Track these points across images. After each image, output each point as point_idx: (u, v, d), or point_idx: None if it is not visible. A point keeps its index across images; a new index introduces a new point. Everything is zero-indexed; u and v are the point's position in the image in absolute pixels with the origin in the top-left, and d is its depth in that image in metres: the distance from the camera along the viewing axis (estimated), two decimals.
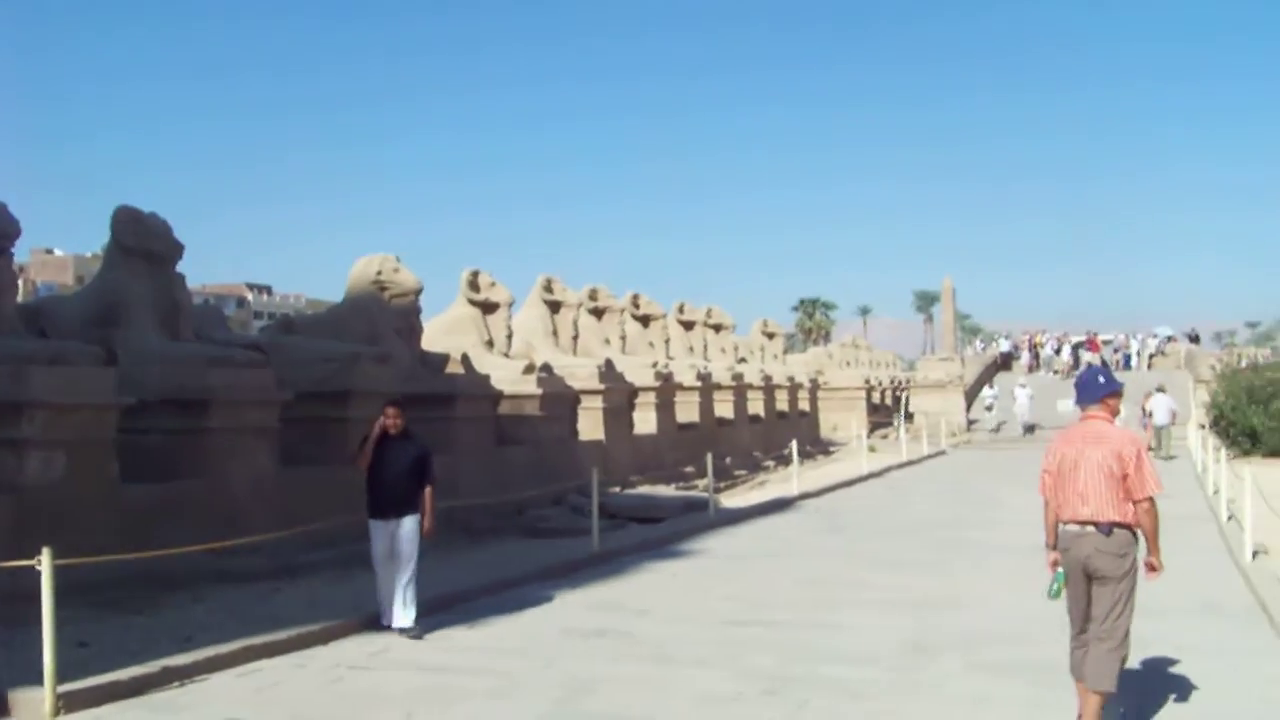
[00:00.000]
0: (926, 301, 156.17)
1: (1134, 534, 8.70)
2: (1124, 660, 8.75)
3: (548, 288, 30.53)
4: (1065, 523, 8.87)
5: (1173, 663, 10.90)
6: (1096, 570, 8.68)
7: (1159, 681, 10.04)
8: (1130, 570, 8.66)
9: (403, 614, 12.78)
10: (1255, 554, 16.69)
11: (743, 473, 34.73)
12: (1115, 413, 9.13)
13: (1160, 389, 41.50)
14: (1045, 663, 11.02)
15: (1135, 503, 8.60)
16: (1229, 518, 20.69)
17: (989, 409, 55.28)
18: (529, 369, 25.03)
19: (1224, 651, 11.46)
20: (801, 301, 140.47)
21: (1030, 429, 50.74)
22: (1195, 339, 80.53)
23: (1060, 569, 8.91)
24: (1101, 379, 9.27)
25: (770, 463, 37.35)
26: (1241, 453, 35.28)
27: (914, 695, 10.25)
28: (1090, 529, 8.68)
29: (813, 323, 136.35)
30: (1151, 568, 8.87)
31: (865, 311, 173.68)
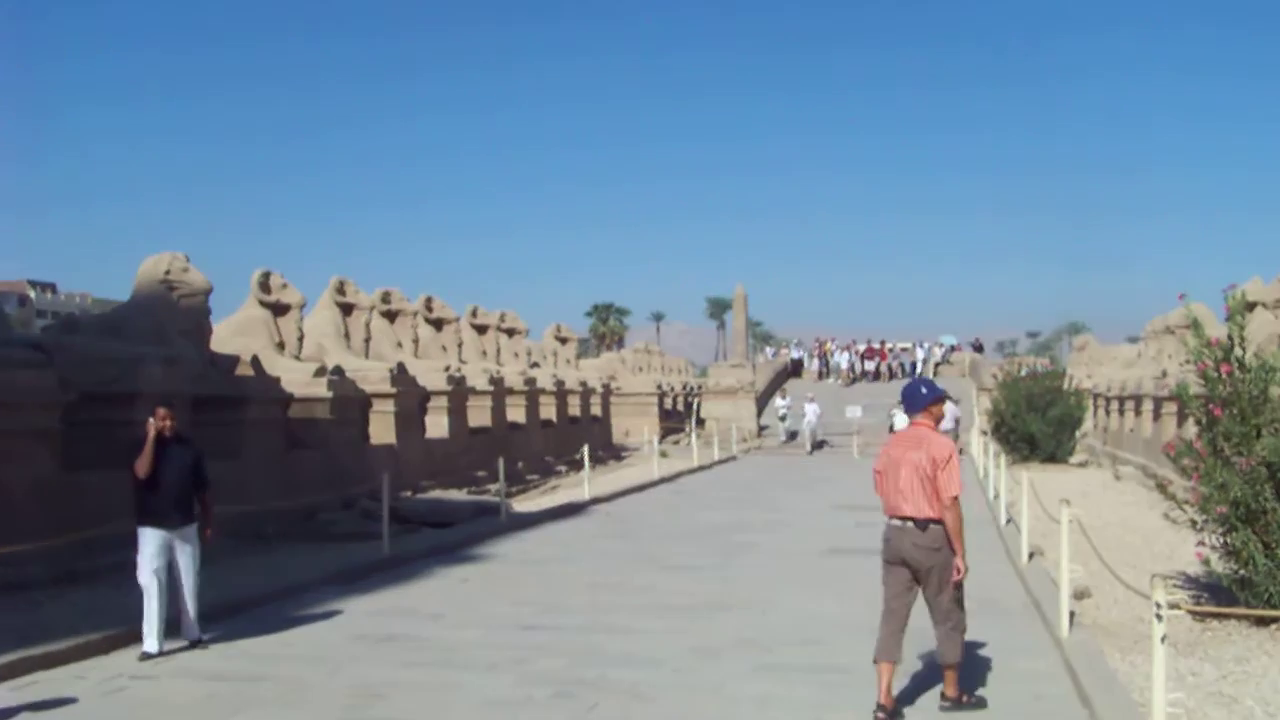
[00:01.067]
0: (719, 308, 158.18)
1: (944, 529, 9.46)
2: (961, 635, 9.67)
3: (340, 290, 30.13)
4: (889, 518, 9.65)
5: None
6: (916, 563, 9.50)
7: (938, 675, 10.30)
8: (946, 561, 9.48)
9: (190, 624, 12.47)
10: (1031, 555, 17.28)
11: (535, 477, 34.80)
12: (939, 419, 9.99)
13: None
14: (832, 665, 11.31)
15: (941, 502, 9.38)
16: (1008, 521, 21.38)
17: (782, 419, 54.94)
18: (320, 372, 24.66)
19: (1002, 648, 11.85)
20: (595, 307, 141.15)
21: (819, 446, 50.20)
22: (979, 348, 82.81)
23: None
24: (924, 389, 10.07)
25: (563, 467, 37.50)
26: (1021, 458, 36.47)
27: (701, 697, 10.37)
28: (909, 525, 9.49)
29: (606, 328, 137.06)
30: (956, 568, 9.51)
31: (659, 318, 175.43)
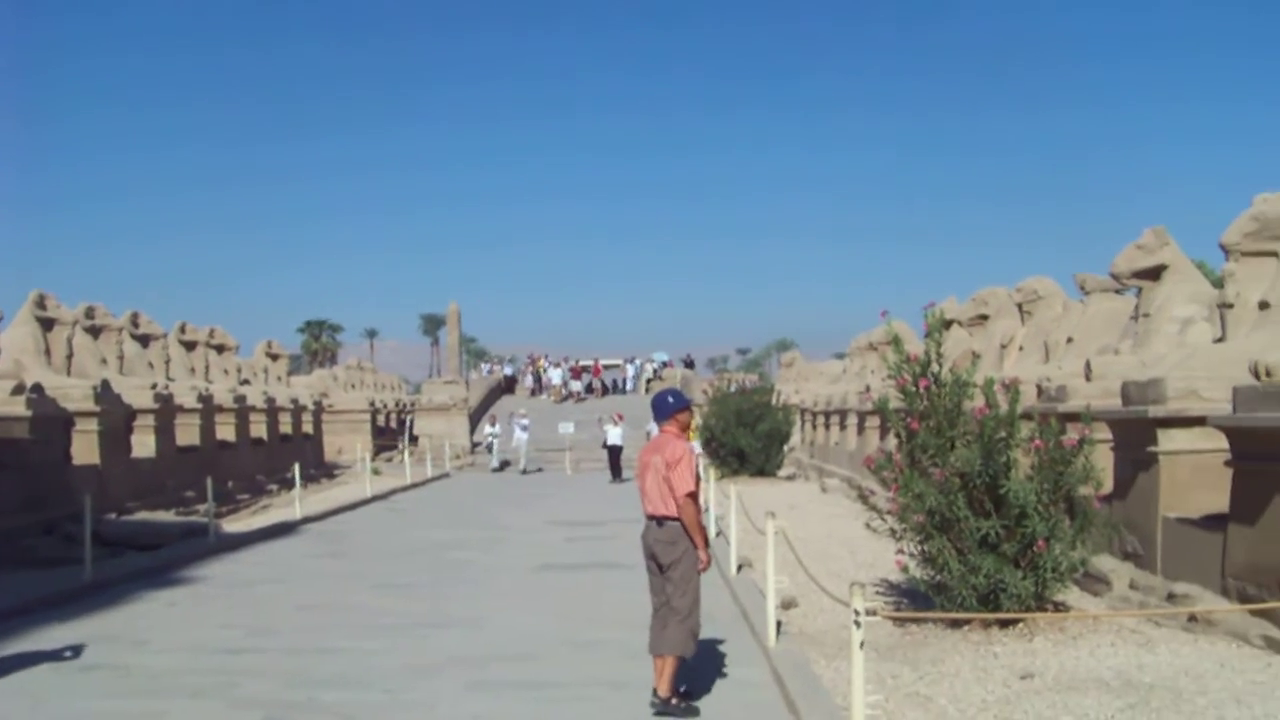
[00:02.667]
0: (433, 325, 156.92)
1: (683, 525, 10.16)
2: (693, 632, 10.23)
3: (40, 304, 28.77)
4: (646, 517, 10.40)
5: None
6: (659, 557, 10.26)
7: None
8: (683, 556, 10.19)
9: None
10: (740, 567, 17.67)
11: (246, 497, 33.93)
12: (685, 426, 10.71)
13: (620, 417, 43.37)
14: (547, 680, 11.34)
15: (676, 499, 10.09)
16: (718, 534, 21.79)
17: (489, 449, 52.95)
18: (18, 390, 23.51)
19: (713, 658, 12.07)
20: (308, 323, 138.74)
21: (530, 472, 48.42)
22: (690, 364, 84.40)
23: None
24: (670, 399, 10.71)
25: (274, 486, 36.69)
26: (731, 472, 37.20)
27: (413, 716, 10.28)
28: (653, 522, 10.31)
29: (319, 344, 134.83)
30: (700, 560, 10.26)
31: (372, 334, 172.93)
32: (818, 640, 12.81)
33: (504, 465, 50.80)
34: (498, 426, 52.65)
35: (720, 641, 12.86)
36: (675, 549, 10.19)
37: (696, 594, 10.35)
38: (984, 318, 29.96)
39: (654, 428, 11.71)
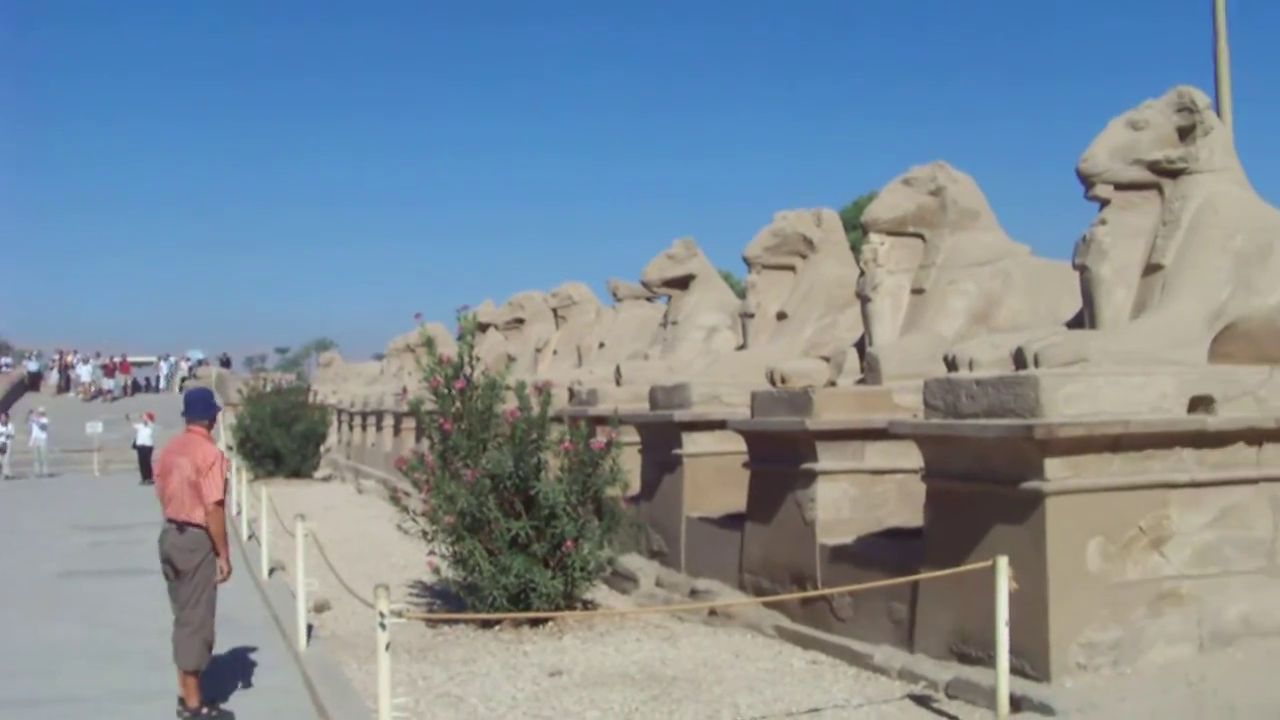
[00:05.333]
0: None
1: (207, 533, 9.94)
2: (206, 643, 10.02)
3: None
4: (166, 520, 10.06)
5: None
6: (176, 562, 9.96)
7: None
8: (202, 564, 9.96)
9: None
10: (272, 571, 17.31)
11: None
12: (213, 426, 10.81)
13: (151, 416, 41.65)
14: (64, 695, 10.79)
15: (206, 506, 9.87)
16: (250, 537, 21.28)
17: (1, 450, 46.31)
18: None
19: (242, 664, 11.79)
20: None
21: (47, 476, 44.39)
22: (226, 363, 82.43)
23: None
24: (208, 399, 10.76)
25: None
26: (266, 473, 36.37)
27: None
28: (173, 527, 9.97)
29: None
30: (220, 569, 10.10)
31: None
32: (350, 643, 12.70)
33: (13, 474, 44.85)
34: (11, 426, 48.72)
35: (252, 648, 12.56)
36: (195, 556, 9.96)
37: (211, 605, 10.16)
38: (520, 321, 30.53)
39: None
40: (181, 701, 9.89)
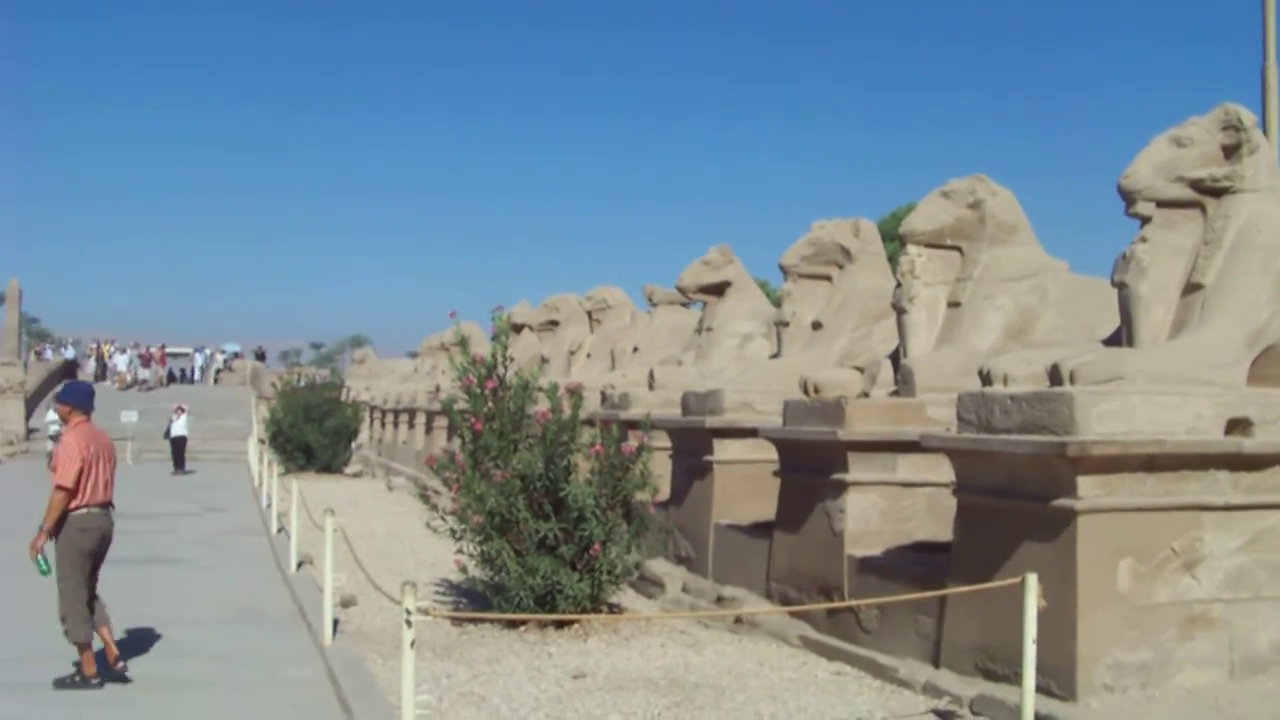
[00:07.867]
0: None
1: None
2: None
3: None
4: (89, 506, 10.65)
5: (203, 669, 11.20)
6: (109, 543, 10.92)
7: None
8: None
9: None
10: (300, 564, 17.35)
11: None
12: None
13: (181, 408, 41.64)
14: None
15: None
16: (279, 530, 21.34)
17: (53, 437, 48.63)
18: None
19: (267, 657, 11.79)
20: None
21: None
22: (261, 356, 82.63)
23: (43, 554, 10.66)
24: (91, 393, 11.60)
25: None
26: (298, 468, 36.49)
27: None
28: (108, 510, 10.85)
29: None
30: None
31: None
32: (375, 639, 12.70)
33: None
34: (53, 414, 49.14)
35: (277, 641, 12.56)
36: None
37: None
38: (555, 323, 30.52)
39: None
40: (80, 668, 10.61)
